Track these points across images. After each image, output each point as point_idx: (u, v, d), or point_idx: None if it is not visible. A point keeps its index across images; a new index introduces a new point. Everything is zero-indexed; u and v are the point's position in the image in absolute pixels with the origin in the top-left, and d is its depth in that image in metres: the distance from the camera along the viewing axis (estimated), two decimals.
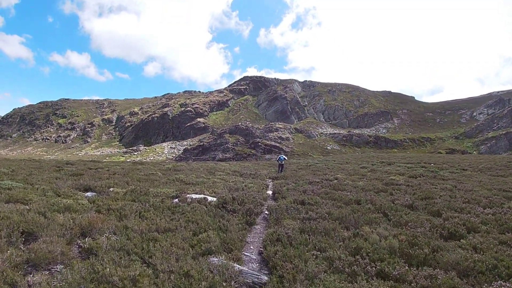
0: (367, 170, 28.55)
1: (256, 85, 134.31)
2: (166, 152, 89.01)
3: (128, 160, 74.50)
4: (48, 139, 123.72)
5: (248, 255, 6.10)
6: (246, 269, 5.11)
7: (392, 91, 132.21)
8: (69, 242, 7.13)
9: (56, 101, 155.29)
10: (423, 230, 7.32)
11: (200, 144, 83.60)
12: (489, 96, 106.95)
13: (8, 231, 6.19)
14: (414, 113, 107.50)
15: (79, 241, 7.29)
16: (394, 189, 14.83)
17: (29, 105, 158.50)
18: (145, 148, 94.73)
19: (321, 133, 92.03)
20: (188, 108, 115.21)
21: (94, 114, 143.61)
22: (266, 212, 9.96)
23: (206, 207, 8.90)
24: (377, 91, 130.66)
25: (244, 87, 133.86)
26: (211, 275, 4.44)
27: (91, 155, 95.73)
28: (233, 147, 75.73)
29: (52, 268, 5.57)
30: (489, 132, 75.64)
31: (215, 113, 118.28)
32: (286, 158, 28.09)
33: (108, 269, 4.49)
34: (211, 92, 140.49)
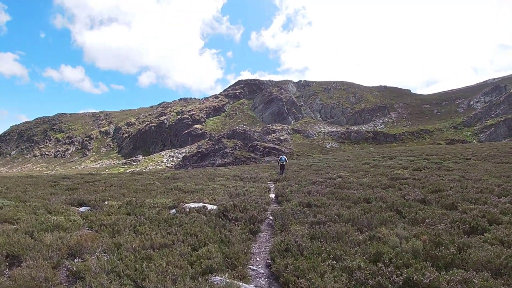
0: (370, 166, 27.95)
1: (251, 88, 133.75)
2: (165, 161, 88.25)
3: (127, 171, 73.72)
4: (47, 154, 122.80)
5: (254, 269, 5.46)
6: None
7: (387, 86, 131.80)
8: (56, 265, 6.49)
9: (53, 116, 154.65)
10: (443, 227, 6.69)
11: (199, 150, 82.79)
12: (485, 84, 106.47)
13: None
14: (411, 106, 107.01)
15: (67, 263, 6.65)
16: (402, 184, 14.22)
17: (26, 122, 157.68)
18: (144, 158, 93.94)
19: (319, 132, 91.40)
20: (185, 116, 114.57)
21: (91, 127, 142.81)
22: (271, 217, 9.32)
23: (206, 217, 8.25)
24: (372, 87, 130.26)
25: (239, 91, 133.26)
26: None
27: (91, 168, 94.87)
28: (231, 151, 75.03)
29: None
30: (487, 120, 75.09)
31: (211, 118, 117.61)
32: (286, 159, 27.48)
33: None
34: (206, 98, 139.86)
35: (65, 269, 6.50)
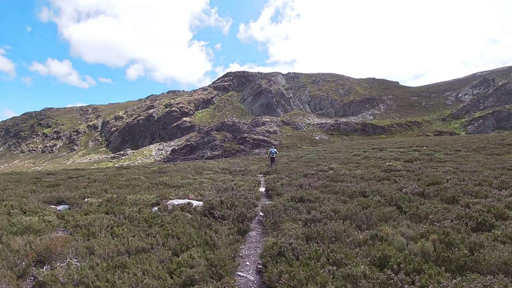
0: (361, 158, 27.57)
1: (240, 80, 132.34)
2: (154, 154, 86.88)
3: (116, 165, 72.38)
4: (34, 150, 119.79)
5: (243, 276, 4.80)
6: None
7: (376, 78, 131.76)
8: (22, 274, 5.76)
9: (40, 111, 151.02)
10: (450, 224, 6.14)
11: (188, 143, 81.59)
12: (473, 76, 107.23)
13: None
14: (400, 98, 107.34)
15: (35, 271, 5.93)
16: (396, 176, 13.73)
17: (13, 117, 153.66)
18: (133, 152, 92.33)
19: (308, 124, 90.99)
20: (173, 108, 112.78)
21: (79, 121, 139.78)
22: (261, 213, 8.67)
23: (191, 215, 7.56)
24: (361, 79, 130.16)
25: (228, 83, 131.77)
26: None
27: (79, 163, 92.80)
28: (221, 144, 74.14)
29: None
30: (475, 112, 75.65)
31: (200, 111, 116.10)
32: (277, 151, 26.91)
33: None
34: (195, 91, 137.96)
35: (32, 278, 5.79)
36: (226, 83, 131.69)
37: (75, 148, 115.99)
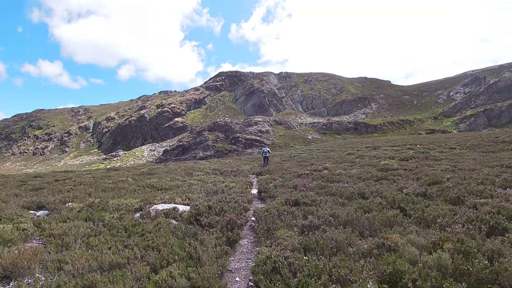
0: (355, 157, 27.07)
1: (232, 80, 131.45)
2: (146, 155, 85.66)
3: (107, 166, 71.20)
4: (26, 152, 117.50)
5: None
6: None
7: (368, 77, 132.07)
8: None
9: (31, 112, 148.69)
10: (462, 229, 5.55)
11: (180, 144, 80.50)
12: (464, 75, 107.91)
13: None
14: (391, 97, 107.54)
15: None
16: (394, 175, 13.17)
17: (4, 119, 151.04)
18: (125, 153, 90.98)
19: (301, 123, 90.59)
20: (165, 109, 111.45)
21: (70, 123, 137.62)
22: (253, 218, 8.00)
23: (176, 221, 6.87)
24: (353, 78, 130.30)
25: (220, 83, 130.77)
26: None
27: (70, 164, 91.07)
28: (213, 144, 73.27)
29: None
30: (467, 111, 75.92)
31: (192, 111, 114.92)
32: (270, 151, 26.34)
33: None
34: (187, 91, 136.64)
35: None
36: (218, 83, 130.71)
37: (67, 150, 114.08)
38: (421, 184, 10.60)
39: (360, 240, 5.32)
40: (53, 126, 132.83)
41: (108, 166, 71.85)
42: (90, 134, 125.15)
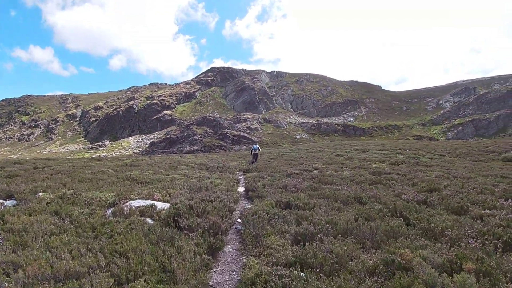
0: (344, 158, 26.55)
1: (224, 76, 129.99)
2: (133, 146, 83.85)
3: (93, 156, 69.44)
4: (11, 138, 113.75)
5: None
6: None
7: (359, 81, 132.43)
8: None
9: (19, 98, 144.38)
10: (476, 244, 4.88)
11: (167, 137, 78.95)
12: (455, 85, 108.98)
13: None
14: (381, 101, 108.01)
15: None
16: (389, 180, 12.56)
17: None
18: (111, 143, 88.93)
19: (290, 122, 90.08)
20: (154, 101, 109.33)
21: (58, 110, 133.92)
22: (239, 220, 7.20)
23: (152, 221, 6.03)
24: (344, 81, 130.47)
25: (211, 78, 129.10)
26: None
27: (55, 152, 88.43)
28: (201, 138, 72.07)
29: None
30: (455, 119, 76.58)
31: (182, 105, 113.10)
32: (259, 148, 25.63)
33: None
34: (177, 84, 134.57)
35: None
36: (209, 78, 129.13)
37: (53, 137, 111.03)
38: (419, 191, 10.00)
39: (363, 253, 4.59)
40: (41, 112, 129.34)
41: (93, 156, 70.09)
42: (77, 122, 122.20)
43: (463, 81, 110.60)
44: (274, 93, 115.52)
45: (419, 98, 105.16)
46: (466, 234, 5.52)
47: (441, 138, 68.30)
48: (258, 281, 3.58)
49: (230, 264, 4.91)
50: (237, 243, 5.83)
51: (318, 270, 3.90)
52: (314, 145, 55.82)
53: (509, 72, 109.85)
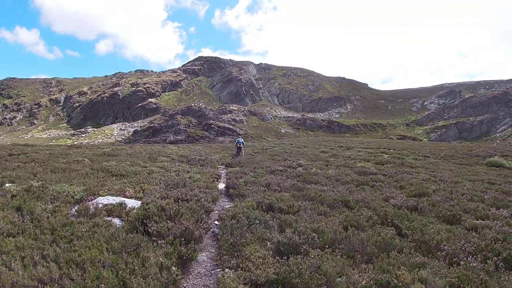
0: (329, 155, 26.23)
1: (211, 65, 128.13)
2: (116, 134, 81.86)
3: (74, 143, 67.34)
4: None
5: None
6: None
7: (346, 78, 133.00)
8: None
9: (2, 80, 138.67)
10: (476, 263, 4.42)
11: (151, 125, 77.28)
12: (441, 87, 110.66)
13: None
14: (367, 99, 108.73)
15: None
16: (375, 181, 12.16)
17: None
18: (94, 130, 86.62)
19: (275, 116, 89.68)
20: (140, 88, 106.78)
21: (42, 94, 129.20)
22: (216, 222, 6.60)
23: (120, 222, 5.36)
24: (331, 77, 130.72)
25: (199, 67, 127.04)
26: None
27: (37, 138, 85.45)
28: (185, 128, 70.85)
29: None
30: (439, 121, 77.76)
31: (167, 93, 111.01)
32: (244, 141, 25.03)
33: None
34: (164, 72, 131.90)
35: None
36: (196, 67, 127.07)
37: (35, 122, 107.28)
38: (408, 195, 9.62)
39: (353, 269, 4.07)
40: (24, 96, 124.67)
41: (75, 142, 68.12)
42: (61, 107, 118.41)
43: (449, 83, 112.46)
44: (261, 86, 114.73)
45: (405, 98, 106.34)
46: (463, 248, 5.08)
47: (424, 139, 69.20)
48: None
49: (203, 277, 4.30)
50: (213, 250, 5.24)
51: None
52: (298, 140, 55.57)
53: (495, 78, 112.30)
